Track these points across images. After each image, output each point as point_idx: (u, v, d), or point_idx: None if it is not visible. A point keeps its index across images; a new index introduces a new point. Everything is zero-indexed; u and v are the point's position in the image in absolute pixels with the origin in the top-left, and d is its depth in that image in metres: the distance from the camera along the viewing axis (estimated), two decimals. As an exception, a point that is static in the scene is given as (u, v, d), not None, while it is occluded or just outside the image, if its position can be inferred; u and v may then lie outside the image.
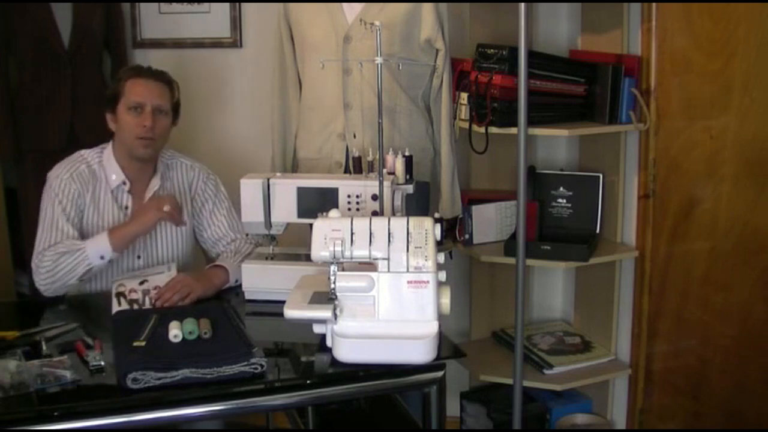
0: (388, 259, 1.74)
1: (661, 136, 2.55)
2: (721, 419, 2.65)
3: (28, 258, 2.84)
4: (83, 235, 2.25)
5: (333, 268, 1.74)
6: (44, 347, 1.78)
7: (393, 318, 1.73)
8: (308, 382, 1.72)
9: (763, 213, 2.51)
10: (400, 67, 2.26)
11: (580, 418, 2.86)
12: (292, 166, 2.61)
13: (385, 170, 2.03)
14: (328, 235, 1.75)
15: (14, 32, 2.82)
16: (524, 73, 2.15)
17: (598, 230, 2.74)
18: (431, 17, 2.38)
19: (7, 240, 2.97)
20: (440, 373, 1.76)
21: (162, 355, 1.68)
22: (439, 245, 1.77)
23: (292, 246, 2.24)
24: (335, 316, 1.73)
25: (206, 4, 2.99)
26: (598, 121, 2.63)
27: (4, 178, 2.97)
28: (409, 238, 1.75)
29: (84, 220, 2.27)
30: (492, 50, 2.56)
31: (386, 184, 2.01)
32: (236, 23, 2.99)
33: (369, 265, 1.76)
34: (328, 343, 1.77)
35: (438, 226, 1.78)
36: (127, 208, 2.32)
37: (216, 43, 3.02)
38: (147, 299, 2.06)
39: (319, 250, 1.74)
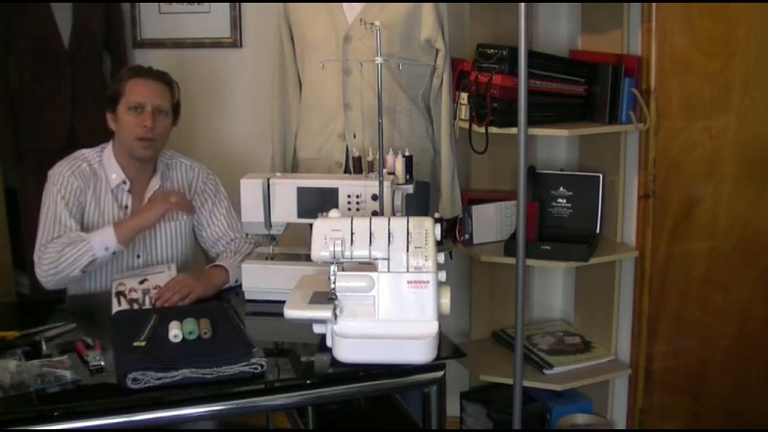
0: (388, 259, 1.74)
1: (661, 136, 2.55)
2: (721, 419, 2.65)
3: (28, 258, 2.85)
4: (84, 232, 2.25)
5: (333, 268, 1.74)
6: (44, 347, 1.78)
7: (393, 318, 1.73)
8: (308, 382, 1.72)
9: (763, 213, 2.51)
10: (400, 67, 2.26)
11: (580, 418, 2.86)
12: (292, 166, 2.61)
13: (385, 170, 2.03)
14: (328, 235, 1.75)
15: (14, 32, 2.82)
16: (524, 73, 2.15)
17: (598, 230, 2.74)
18: (431, 17, 2.38)
19: (7, 240, 2.97)
20: (440, 373, 1.76)
21: (162, 355, 1.68)
22: (439, 245, 1.77)
23: (292, 246, 2.24)
24: (335, 316, 1.73)
25: (206, 4, 2.99)
26: (598, 121, 2.63)
27: (4, 178, 2.97)
28: (409, 238, 1.75)
29: (85, 218, 2.27)
30: (492, 50, 2.56)
31: (386, 184, 2.01)
32: (236, 23, 2.99)
33: (369, 265, 1.76)
34: (328, 343, 1.77)
35: (438, 226, 1.78)
36: (126, 207, 2.32)
37: (216, 43, 3.02)
38: (147, 299, 2.06)
39: (319, 250, 1.74)
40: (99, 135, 2.45)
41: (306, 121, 2.51)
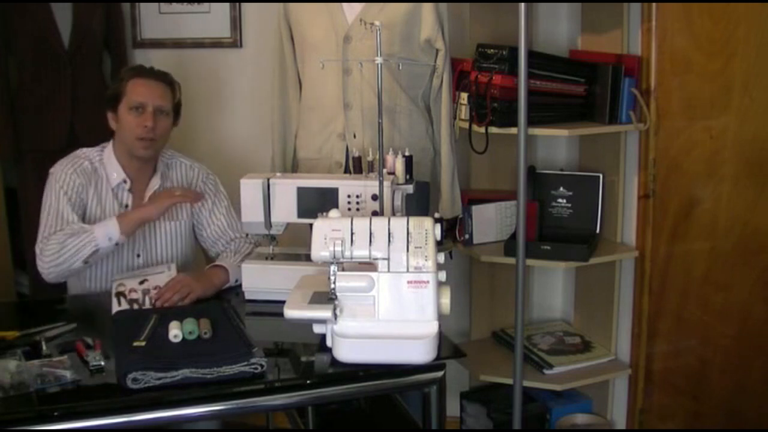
0: (388, 259, 1.74)
1: (661, 136, 2.55)
2: (721, 419, 2.65)
3: (28, 258, 2.86)
4: None
5: (333, 268, 1.74)
6: (44, 347, 1.78)
7: (393, 318, 1.73)
8: (308, 382, 1.72)
9: (763, 213, 2.51)
10: (400, 67, 2.26)
11: (580, 418, 2.86)
12: (292, 166, 2.61)
13: (385, 170, 2.03)
14: (328, 235, 1.75)
15: (14, 32, 2.82)
16: (524, 73, 2.15)
17: (598, 230, 2.74)
18: (431, 17, 2.38)
19: (7, 240, 2.97)
20: (440, 373, 1.76)
21: (162, 355, 1.68)
22: (439, 245, 1.77)
23: (292, 246, 2.24)
24: (335, 316, 1.73)
25: (206, 4, 2.99)
26: (598, 121, 2.63)
27: (4, 178, 2.97)
28: (409, 238, 1.75)
29: (87, 215, 2.27)
30: (492, 50, 2.56)
31: (386, 184, 2.01)
32: (236, 23, 2.99)
33: (369, 265, 1.76)
34: (328, 343, 1.77)
35: (438, 226, 1.78)
36: (127, 206, 2.32)
37: (216, 43, 3.02)
38: (147, 299, 2.06)
39: (319, 250, 1.74)
40: (99, 135, 2.45)
41: (306, 121, 2.51)
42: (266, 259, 2.17)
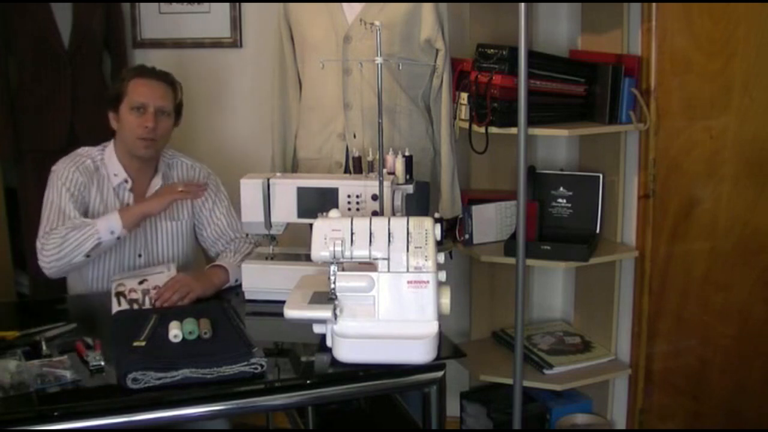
0: (388, 259, 1.74)
1: (661, 136, 2.55)
2: (721, 419, 2.65)
3: (28, 258, 2.86)
4: None
5: (333, 268, 1.74)
6: (44, 347, 1.78)
7: (393, 318, 1.73)
8: (308, 382, 1.72)
9: (763, 213, 2.51)
10: (400, 67, 2.26)
11: (580, 418, 2.86)
12: (292, 166, 2.61)
13: (385, 170, 2.03)
14: (328, 235, 1.75)
15: (14, 32, 2.82)
16: (524, 73, 2.15)
17: (598, 230, 2.74)
18: (431, 17, 2.38)
19: (7, 240, 2.97)
20: (440, 373, 1.76)
21: (162, 355, 1.68)
22: (439, 245, 1.77)
23: (292, 246, 2.24)
24: (335, 316, 1.73)
25: (206, 4, 2.99)
26: (598, 121, 2.63)
27: (4, 178, 2.97)
28: (409, 238, 1.75)
29: (89, 214, 2.27)
30: (492, 50, 2.56)
31: (386, 184, 2.01)
32: (236, 23, 2.99)
33: (369, 265, 1.76)
34: (328, 343, 1.77)
35: (438, 226, 1.78)
36: (128, 206, 2.32)
37: (216, 43, 3.02)
38: (147, 299, 2.06)
39: (319, 250, 1.74)
40: (99, 135, 2.45)
41: (306, 121, 2.51)
42: (266, 259, 2.17)
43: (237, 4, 2.98)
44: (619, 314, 2.77)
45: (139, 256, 2.34)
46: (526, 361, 2.63)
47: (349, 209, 2.05)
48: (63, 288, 2.36)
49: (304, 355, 1.86)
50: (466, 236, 2.72)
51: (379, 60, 1.95)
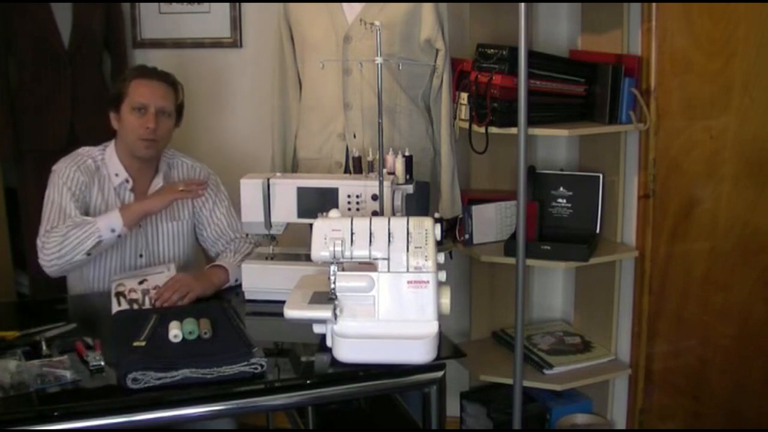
0: (388, 259, 1.74)
1: (661, 136, 2.55)
2: (721, 419, 2.65)
3: (28, 258, 2.86)
4: None
5: (333, 268, 1.74)
6: (44, 347, 1.78)
7: (393, 318, 1.73)
8: (308, 382, 1.72)
9: (763, 213, 2.51)
10: (400, 67, 2.26)
11: (580, 418, 2.86)
12: (292, 166, 2.61)
13: (385, 170, 2.03)
14: (328, 235, 1.75)
15: (14, 32, 2.82)
16: (524, 73, 2.15)
17: (598, 230, 2.74)
18: (431, 17, 2.38)
19: (7, 240, 2.97)
20: (440, 373, 1.76)
21: (162, 355, 1.68)
22: (439, 245, 1.77)
23: (292, 246, 2.24)
24: (335, 316, 1.73)
25: (206, 4, 2.99)
26: (598, 121, 2.63)
27: (4, 178, 2.97)
28: (409, 238, 1.75)
29: (90, 214, 2.27)
30: (492, 50, 2.56)
31: (386, 184, 2.01)
32: (236, 23, 2.99)
33: (369, 265, 1.76)
34: (328, 343, 1.77)
35: (438, 226, 1.78)
36: (129, 203, 2.32)
37: (216, 43, 3.02)
38: (147, 299, 2.06)
39: (319, 250, 1.74)
40: (99, 135, 2.45)
41: (306, 121, 2.51)
42: (266, 259, 2.17)
43: (237, 4, 2.98)
44: (619, 314, 2.77)
45: (140, 256, 2.34)
46: (526, 361, 2.63)
47: (349, 209, 2.05)
48: (63, 288, 2.36)
49: (304, 355, 1.86)
50: (466, 236, 2.72)
51: (379, 60, 1.95)
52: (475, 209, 2.72)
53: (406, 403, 2.36)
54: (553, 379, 2.67)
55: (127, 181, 2.32)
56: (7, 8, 2.79)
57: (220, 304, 2.05)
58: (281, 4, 2.50)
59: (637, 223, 2.67)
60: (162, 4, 3.01)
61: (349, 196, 2.05)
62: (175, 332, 1.79)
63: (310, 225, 1.81)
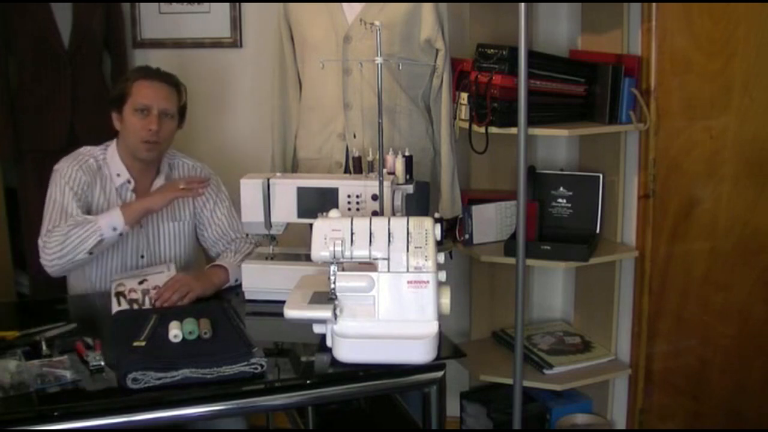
0: (388, 259, 1.74)
1: (661, 136, 2.55)
2: (721, 419, 2.65)
3: (28, 258, 2.86)
4: None
5: (333, 268, 1.74)
6: (44, 347, 1.78)
7: (393, 318, 1.73)
8: (308, 382, 1.72)
9: (763, 213, 2.51)
10: (400, 67, 2.26)
11: (580, 418, 2.86)
12: (292, 166, 2.61)
13: (385, 170, 2.03)
14: (328, 235, 1.75)
15: (14, 32, 2.82)
16: (524, 73, 2.15)
17: (598, 230, 2.74)
18: (431, 17, 2.38)
19: (7, 240, 2.97)
20: (440, 373, 1.76)
21: (162, 355, 1.68)
22: (439, 245, 1.77)
23: (292, 246, 2.24)
24: (335, 316, 1.73)
25: (206, 4, 2.99)
26: (598, 121, 2.63)
27: (4, 178, 2.96)
28: (409, 238, 1.75)
29: (92, 213, 2.26)
30: (492, 50, 2.56)
31: (386, 184, 2.01)
32: (236, 23, 2.99)
33: (369, 265, 1.76)
34: (328, 343, 1.77)
35: (438, 226, 1.78)
36: (130, 202, 2.31)
37: (216, 43, 3.02)
38: (147, 299, 2.06)
39: (319, 250, 1.74)
40: (99, 135, 2.45)
41: (306, 121, 2.51)
42: (266, 259, 2.17)
43: (237, 4, 2.98)
44: (619, 314, 2.77)
45: (142, 256, 2.34)
46: (526, 361, 2.63)
47: (349, 209, 2.05)
48: (63, 288, 2.36)
49: (304, 355, 1.86)
50: (466, 236, 2.72)
51: (379, 60, 1.95)
52: (475, 209, 2.72)
53: (406, 403, 2.36)
54: (553, 379, 2.67)
55: (129, 181, 2.31)
56: (7, 8, 2.79)
57: (220, 304, 2.05)
58: (281, 4, 2.50)
59: (637, 223, 2.67)
60: (162, 4, 3.01)
61: (349, 196, 2.05)
62: (175, 332, 1.79)
63: (310, 225, 1.81)
